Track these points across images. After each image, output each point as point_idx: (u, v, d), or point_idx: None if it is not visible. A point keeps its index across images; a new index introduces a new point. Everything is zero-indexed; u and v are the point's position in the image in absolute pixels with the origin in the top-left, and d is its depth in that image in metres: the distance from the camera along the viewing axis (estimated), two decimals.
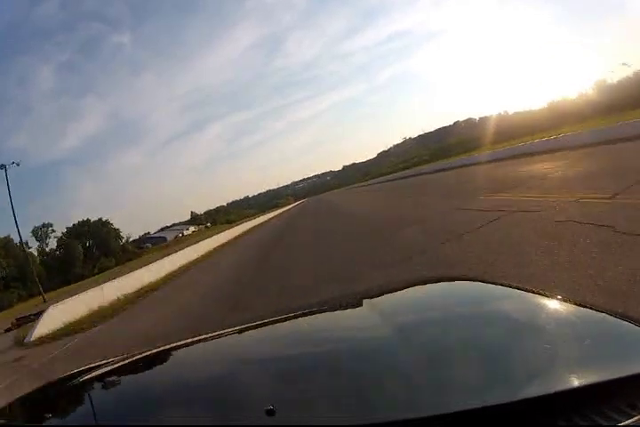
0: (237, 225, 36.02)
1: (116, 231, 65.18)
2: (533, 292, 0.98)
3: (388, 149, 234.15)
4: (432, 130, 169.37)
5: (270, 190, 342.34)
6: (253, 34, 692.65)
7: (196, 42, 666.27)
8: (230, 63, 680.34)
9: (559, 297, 0.90)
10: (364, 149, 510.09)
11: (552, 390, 0.54)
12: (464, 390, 0.63)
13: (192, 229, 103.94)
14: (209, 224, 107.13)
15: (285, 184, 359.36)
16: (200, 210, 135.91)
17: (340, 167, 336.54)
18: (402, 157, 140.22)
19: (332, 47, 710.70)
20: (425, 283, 1.43)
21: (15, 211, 30.16)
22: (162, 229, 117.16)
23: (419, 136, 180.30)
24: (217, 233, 26.53)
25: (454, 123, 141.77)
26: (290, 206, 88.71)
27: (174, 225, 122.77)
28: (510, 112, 55.30)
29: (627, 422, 0.49)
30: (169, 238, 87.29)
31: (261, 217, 48.21)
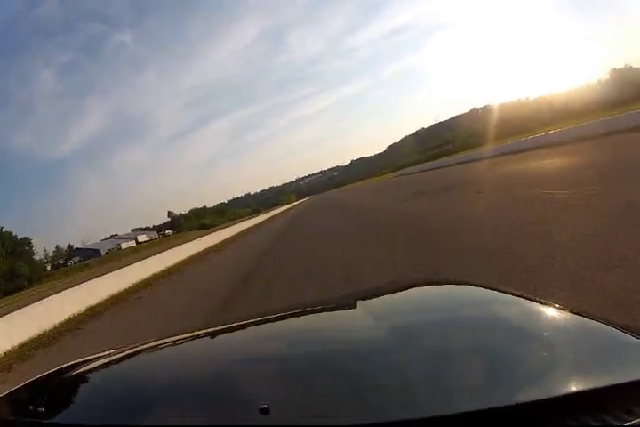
0: (206, 235, 23.58)
1: (20, 242, 45.24)
2: (529, 299, 0.98)
3: (400, 141, 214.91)
4: (447, 119, 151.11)
5: (273, 187, 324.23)
6: (256, 29, 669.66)
7: (198, 38, 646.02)
8: (233, 59, 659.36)
9: (555, 305, 0.92)
10: (372, 143, 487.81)
11: (544, 396, 0.55)
12: (457, 393, 0.63)
13: (143, 238, 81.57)
14: (168, 231, 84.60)
15: (289, 181, 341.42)
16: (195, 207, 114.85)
17: (347, 162, 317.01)
18: (417, 149, 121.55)
19: (336, 42, 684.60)
20: (421, 286, 1.42)
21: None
22: (133, 231, 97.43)
23: (433, 125, 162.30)
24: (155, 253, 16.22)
25: (470, 110, 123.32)
26: (290, 206, 75.31)
27: (139, 230, 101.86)
28: (531, 97, 54.51)
29: (626, 424, 0.50)
30: (103, 252, 68.02)
31: (241, 224, 32.46)
